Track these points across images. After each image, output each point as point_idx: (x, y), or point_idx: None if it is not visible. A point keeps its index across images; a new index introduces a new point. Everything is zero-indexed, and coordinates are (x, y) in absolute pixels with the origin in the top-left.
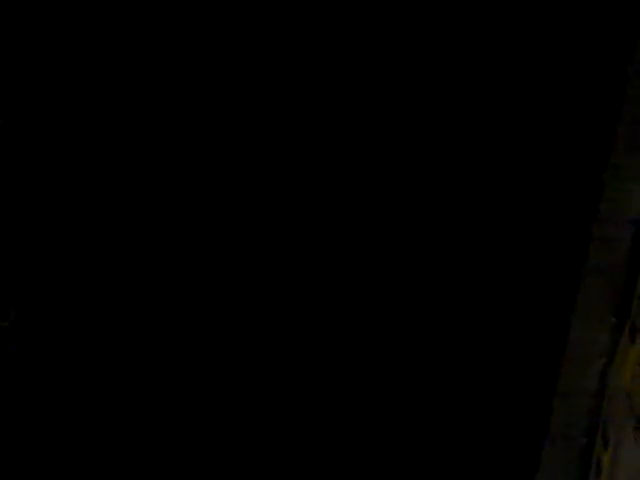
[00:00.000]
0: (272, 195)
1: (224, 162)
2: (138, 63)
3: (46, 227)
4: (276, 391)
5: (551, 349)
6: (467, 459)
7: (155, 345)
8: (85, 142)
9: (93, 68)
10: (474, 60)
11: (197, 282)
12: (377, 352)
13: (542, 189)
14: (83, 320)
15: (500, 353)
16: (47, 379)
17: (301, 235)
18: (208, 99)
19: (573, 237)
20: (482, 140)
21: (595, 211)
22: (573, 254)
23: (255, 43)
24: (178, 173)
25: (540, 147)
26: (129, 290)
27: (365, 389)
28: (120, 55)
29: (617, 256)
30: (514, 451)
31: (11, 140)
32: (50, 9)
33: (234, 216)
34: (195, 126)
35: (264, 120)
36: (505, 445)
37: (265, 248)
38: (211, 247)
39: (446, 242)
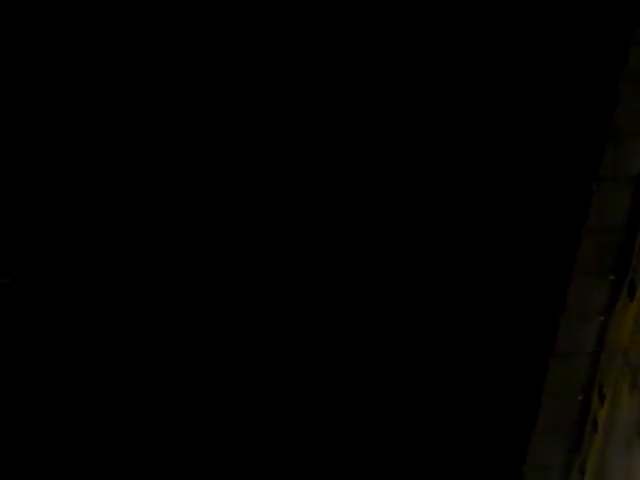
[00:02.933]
0: (270, 195)
1: (223, 163)
2: (138, 62)
3: (49, 179)
4: (274, 391)
5: (549, 307)
6: (465, 413)
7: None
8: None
9: (93, 67)
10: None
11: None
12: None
13: (542, 147)
14: (87, 275)
15: (498, 312)
16: (49, 337)
17: (298, 236)
18: (206, 101)
19: (572, 195)
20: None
21: (595, 169)
22: (572, 212)
23: (253, 44)
24: (176, 165)
25: (540, 104)
26: (138, 247)
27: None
28: (120, 54)
29: (617, 213)
30: (511, 408)
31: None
32: (50, 9)
33: (232, 217)
34: (194, 127)
35: (262, 121)
36: (502, 402)
37: (263, 249)
38: (210, 245)
39: (441, 204)
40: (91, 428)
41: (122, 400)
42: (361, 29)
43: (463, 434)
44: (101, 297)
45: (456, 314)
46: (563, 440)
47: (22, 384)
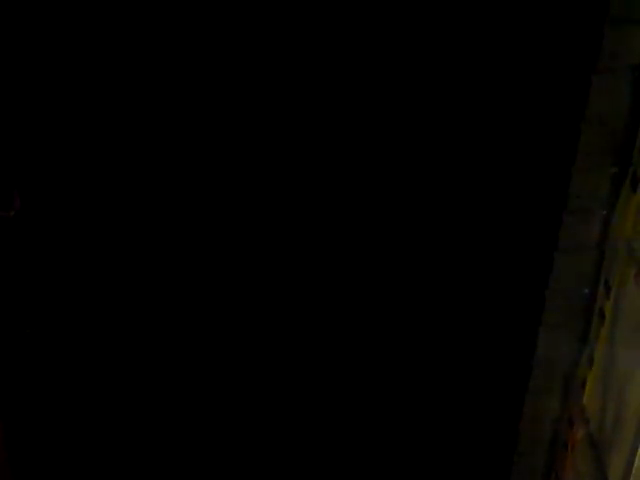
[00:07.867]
0: (268, 193)
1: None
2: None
3: (50, 110)
4: (270, 394)
5: (551, 203)
6: (470, 310)
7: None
8: None
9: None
10: None
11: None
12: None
13: (537, 39)
14: (94, 208)
15: (499, 210)
16: (54, 273)
17: (297, 236)
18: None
19: (571, 88)
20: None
21: (594, 60)
22: (571, 105)
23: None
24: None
25: None
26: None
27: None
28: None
29: (617, 105)
30: (516, 307)
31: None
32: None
33: (230, 216)
34: (193, 127)
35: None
36: (507, 299)
37: (260, 248)
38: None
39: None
40: (87, 375)
41: (126, 346)
42: (352, 28)
43: (466, 332)
44: (108, 231)
45: (463, 211)
46: (570, 334)
47: (25, 321)
